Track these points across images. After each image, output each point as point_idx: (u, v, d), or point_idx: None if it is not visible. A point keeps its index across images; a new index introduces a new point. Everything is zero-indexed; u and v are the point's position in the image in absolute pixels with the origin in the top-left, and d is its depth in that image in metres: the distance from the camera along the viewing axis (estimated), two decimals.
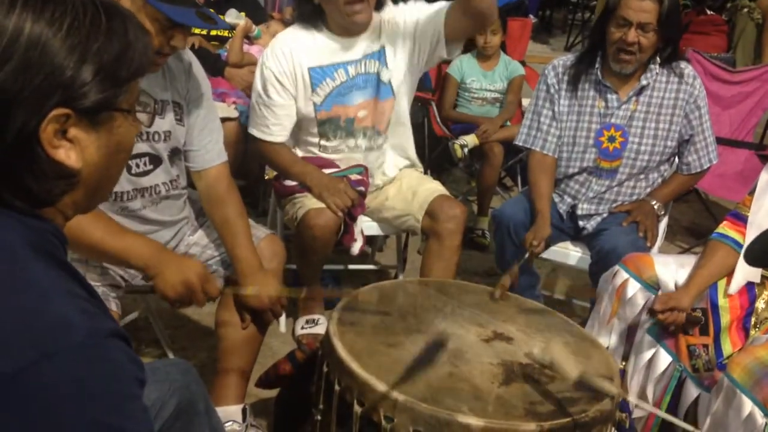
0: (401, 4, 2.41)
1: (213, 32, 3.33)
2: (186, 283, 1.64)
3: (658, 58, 2.40)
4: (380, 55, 2.38)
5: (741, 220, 1.99)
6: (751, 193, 1.99)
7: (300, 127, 2.47)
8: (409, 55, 2.38)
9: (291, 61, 2.34)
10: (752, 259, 0.72)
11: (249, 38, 3.34)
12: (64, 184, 0.85)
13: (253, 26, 3.33)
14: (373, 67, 2.39)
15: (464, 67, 3.80)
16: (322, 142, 2.46)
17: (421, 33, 2.33)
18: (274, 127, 2.40)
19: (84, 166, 0.85)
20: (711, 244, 2.01)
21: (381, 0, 2.35)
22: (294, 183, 2.43)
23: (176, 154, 1.86)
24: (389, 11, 2.39)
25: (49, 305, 0.77)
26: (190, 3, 1.62)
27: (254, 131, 2.45)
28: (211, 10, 3.30)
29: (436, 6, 2.32)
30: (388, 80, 2.41)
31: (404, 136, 2.56)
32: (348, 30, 2.33)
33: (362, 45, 2.37)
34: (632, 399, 1.69)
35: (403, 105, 2.47)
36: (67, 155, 0.83)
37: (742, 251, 0.73)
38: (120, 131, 0.88)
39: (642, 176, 2.49)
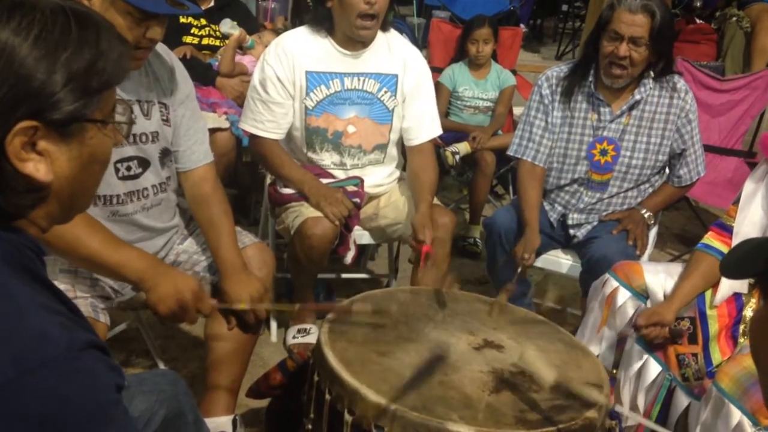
0: (421, 68, 2.50)
1: (204, 41, 3.33)
2: (179, 300, 1.61)
3: (651, 72, 2.40)
4: (390, 82, 2.44)
5: (726, 230, 1.99)
6: (736, 203, 1.99)
7: (290, 137, 2.48)
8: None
9: (292, 61, 2.36)
10: (726, 271, 0.73)
11: (242, 48, 3.34)
12: (34, 198, 0.83)
13: (247, 37, 3.33)
14: (372, 86, 2.42)
15: (456, 76, 3.82)
16: (309, 154, 2.47)
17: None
18: (269, 124, 2.41)
19: (55, 179, 0.82)
20: (696, 255, 2.02)
21: (386, 21, 2.41)
22: (290, 191, 2.43)
23: (167, 155, 1.86)
24: (412, 55, 2.49)
25: (26, 320, 0.76)
26: None
27: (247, 126, 2.45)
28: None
29: (419, 125, 2.49)
30: (393, 108, 2.46)
31: (397, 153, 2.59)
32: (352, 43, 2.36)
33: (366, 62, 2.40)
34: (619, 409, 1.70)
35: (399, 133, 2.52)
36: (36, 168, 0.80)
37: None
38: (93, 143, 0.85)
39: (633, 187, 2.50)
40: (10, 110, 0.77)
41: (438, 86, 3.86)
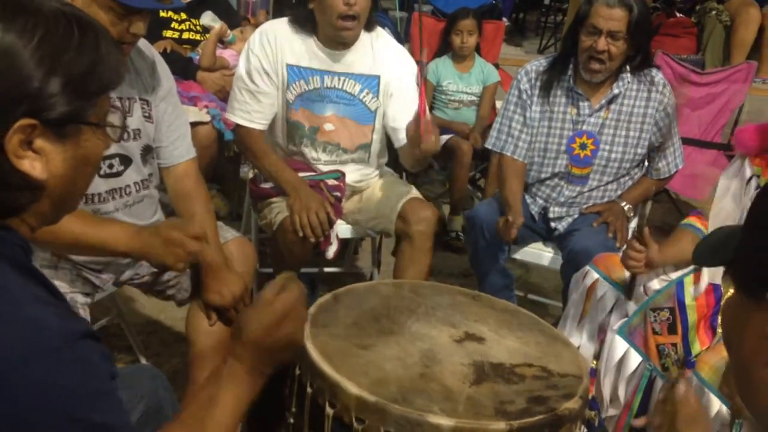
0: (405, 66, 2.46)
1: (185, 35, 3.31)
2: (171, 244, 1.61)
3: (628, 66, 2.42)
4: (371, 83, 2.41)
5: (705, 217, 2.02)
6: (711, 198, 2.03)
7: (272, 129, 2.46)
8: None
9: (275, 51, 2.35)
10: (699, 259, 0.74)
11: (223, 42, 3.32)
12: (29, 195, 0.85)
13: (228, 31, 3.31)
14: (353, 87, 2.41)
15: (440, 70, 3.81)
16: (291, 147, 2.46)
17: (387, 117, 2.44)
18: (256, 114, 2.39)
19: (49, 178, 0.85)
20: (678, 230, 2.06)
21: (371, 21, 2.38)
22: (271, 185, 2.42)
23: (149, 152, 1.85)
24: (397, 53, 2.45)
25: (22, 310, 0.78)
26: None
27: (235, 117, 2.42)
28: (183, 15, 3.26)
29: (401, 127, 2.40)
30: (375, 109, 2.44)
31: (381, 150, 2.58)
32: (334, 43, 2.35)
33: (347, 62, 2.39)
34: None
35: (383, 132, 2.50)
36: (32, 166, 0.83)
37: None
38: (87, 145, 0.88)
39: (612, 181, 2.52)
40: (10, 108, 0.80)
41: None
